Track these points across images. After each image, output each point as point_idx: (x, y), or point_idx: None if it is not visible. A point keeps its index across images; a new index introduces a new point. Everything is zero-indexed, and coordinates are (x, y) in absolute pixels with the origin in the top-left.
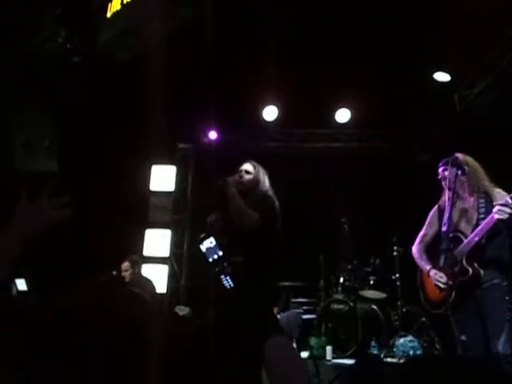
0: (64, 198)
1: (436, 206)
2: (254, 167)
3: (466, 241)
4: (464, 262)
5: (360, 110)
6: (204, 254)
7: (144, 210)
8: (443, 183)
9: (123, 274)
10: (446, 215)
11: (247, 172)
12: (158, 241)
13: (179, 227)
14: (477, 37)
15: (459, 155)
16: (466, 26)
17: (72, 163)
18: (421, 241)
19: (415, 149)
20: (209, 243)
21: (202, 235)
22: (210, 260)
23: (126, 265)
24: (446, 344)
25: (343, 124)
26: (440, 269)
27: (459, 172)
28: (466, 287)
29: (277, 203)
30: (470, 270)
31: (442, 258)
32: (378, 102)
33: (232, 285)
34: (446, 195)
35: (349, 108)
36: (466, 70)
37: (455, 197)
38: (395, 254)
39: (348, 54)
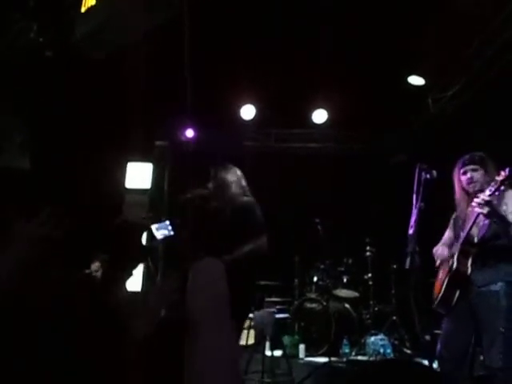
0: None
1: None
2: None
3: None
4: (455, 257)
5: (336, 111)
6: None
7: (119, 207)
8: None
9: (94, 274)
10: (413, 218)
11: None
12: None
13: None
14: (450, 41)
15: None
16: (440, 30)
17: (45, 161)
18: (441, 243)
19: (390, 150)
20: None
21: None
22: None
23: (96, 265)
24: (415, 342)
25: (320, 124)
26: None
27: (427, 176)
28: (454, 285)
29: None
30: (455, 265)
31: (408, 259)
32: (354, 104)
33: None
34: (414, 199)
35: (325, 109)
36: (439, 74)
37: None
38: (368, 254)
39: (325, 56)
